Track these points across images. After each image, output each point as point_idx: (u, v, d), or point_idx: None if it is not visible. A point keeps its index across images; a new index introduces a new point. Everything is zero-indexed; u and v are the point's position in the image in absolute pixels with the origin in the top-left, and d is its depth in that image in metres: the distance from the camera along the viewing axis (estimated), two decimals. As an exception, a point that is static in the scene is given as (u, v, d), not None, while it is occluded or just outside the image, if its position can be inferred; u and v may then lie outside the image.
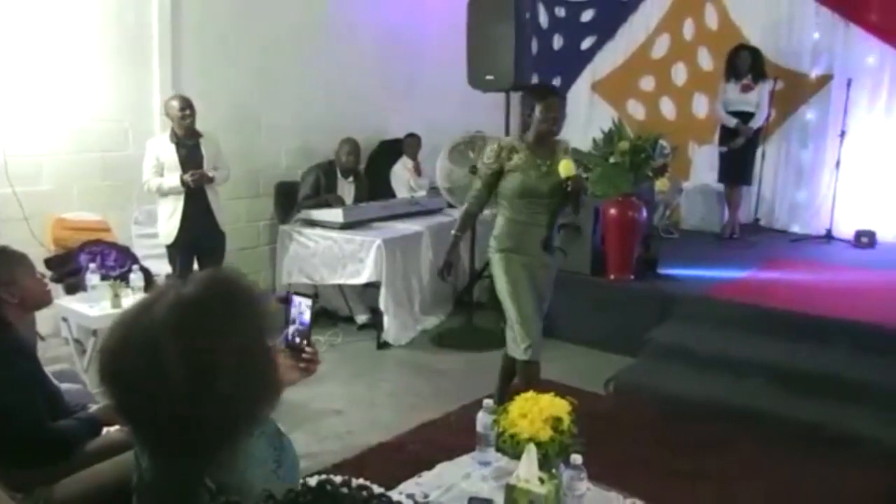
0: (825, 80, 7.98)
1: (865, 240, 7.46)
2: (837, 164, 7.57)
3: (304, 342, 1.91)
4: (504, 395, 3.99)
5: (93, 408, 2.93)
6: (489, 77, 5.94)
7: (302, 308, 1.93)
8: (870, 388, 4.54)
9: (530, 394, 2.69)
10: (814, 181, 8.08)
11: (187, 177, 5.22)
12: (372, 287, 6.01)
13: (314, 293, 5.76)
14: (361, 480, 2.74)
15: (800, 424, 4.39)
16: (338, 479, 1.65)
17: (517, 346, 4.07)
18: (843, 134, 7.55)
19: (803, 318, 5.15)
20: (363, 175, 6.74)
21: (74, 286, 4.85)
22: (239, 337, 1.36)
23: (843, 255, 7.18)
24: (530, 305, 4.06)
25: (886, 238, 7.55)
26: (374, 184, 6.96)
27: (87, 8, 5.48)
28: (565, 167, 3.89)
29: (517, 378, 4.18)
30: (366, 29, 7.44)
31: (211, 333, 1.33)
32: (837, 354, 4.83)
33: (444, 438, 4.03)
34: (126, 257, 5.18)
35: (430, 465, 2.86)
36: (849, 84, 7.54)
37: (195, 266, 5.49)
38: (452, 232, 4.30)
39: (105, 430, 2.85)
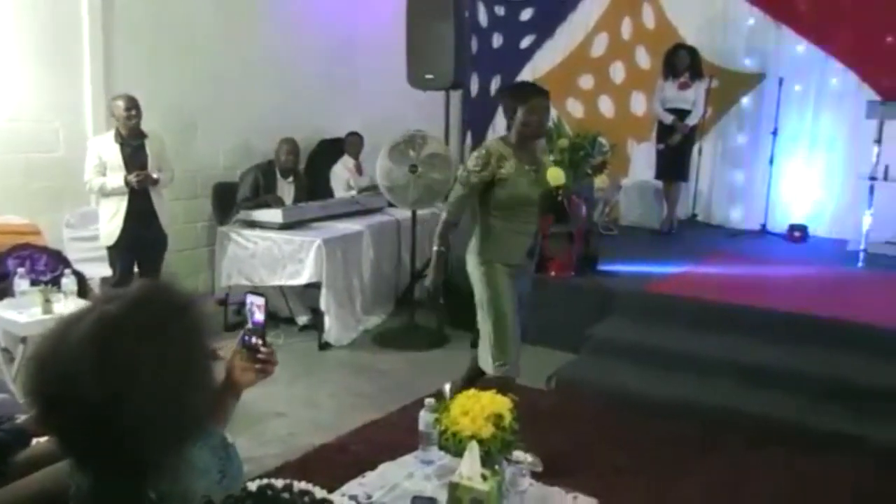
0: (758, 78, 8.18)
1: (798, 234, 7.64)
2: (771, 160, 7.74)
3: (259, 342, 1.87)
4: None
5: (21, 418, 2.84)
6: (429, 76, 5.94)
7: (253, 308, 1.90)
8: (805, 377, 4.64)
9: (472, 391, 2.69)
10: (748, 177, 8.28)
11: (131, 178, 5.14)
12: (313, 287, 5.95)
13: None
14: (304, 484, 2.71)
15: (740, 416, 4.47)
16: (279, 483, 1.63)
17: (490, 360, 3.85)
18: (775, 131, 7.73)
19: (740, 311, 5.25)
20: (303, 175, 6.68)
21: (2, 292, 4.71)
22: (161, 355, 1.31)
23: (778, 248, 7.36)
24: (511, 321, 3.84)
25: (817, 232, 7.77)
26: (314, 183, 6.89)
27: (11, 4, 5.31)
28: (554, 175, 3.81)
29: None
30: (305, 28, 7.37)
31: (128, 353, 1.28)
32: (775, 346, 4.93)
33: (387, 438, 4.00)
34: (57, 261, 5.03)
35: (373, 466, 2.85)
36: (780, 83, 7.72)
37: (135, 269, 5.40)
38: (435, 248, 3.96)
39: (35, 440, 2.77)
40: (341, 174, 7.18)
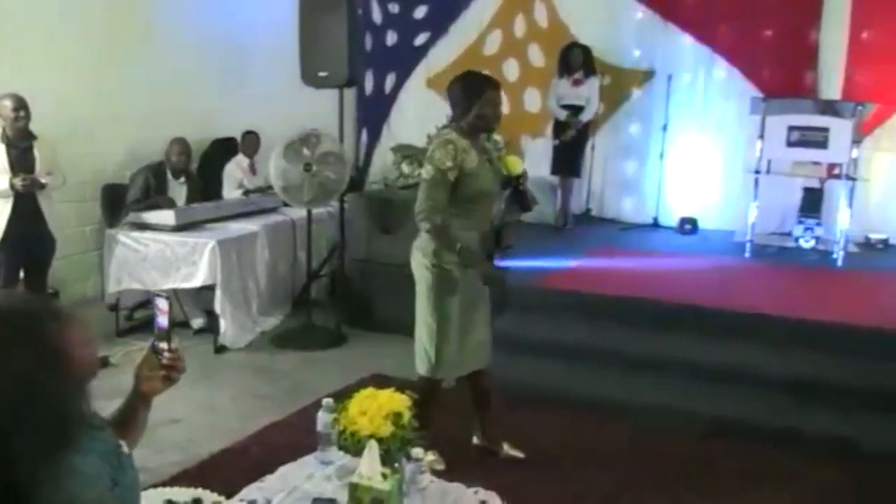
0: (648, 75, 8.42)
1: (689, 227, 7.91)
2: (661, 155, 7.99)
3: (164, 346, 1.82)
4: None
5: None
6: (323, 74, 5.89)
7: (156, 311, 1.85)
8: (695, 366, 4.82)
9: (369, 390, 2.69)
10: (640, 171, 8.51)
11: (17, 181, 4.95)
12: (207, 290, 5.83)
13: (148, 299, 5.56)
14: (200, 491, 2.66)
15: (634, 406, 4.61)
16: (181, 499, 1.60)
17: (423, 361, 3.82)
18: (665, 127, 7.98)
19: (632, 303, 5.39)
20: (195, 175, 6.53)
21: None
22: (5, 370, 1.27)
23: (668, 241, 7.59)
24: (454, 326, 3.71)
25: (707, 225, 8.05)
26: (207, 184, 6.75)
27: None
28: (514, 164, 3.71)
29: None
30: (195, 27, 7.22)
31: None
32: (667, 336, 5.08)
33: (287, 440, 3.95)
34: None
35: (273, 469, 2.83)
36: (669, 79, 7.98)
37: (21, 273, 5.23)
38: (458, 249, 3.58)
39: None
40: (234, 174, 7.05)
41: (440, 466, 3.60)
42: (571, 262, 6.48)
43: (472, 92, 3.63)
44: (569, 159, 7.83)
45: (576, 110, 7.69)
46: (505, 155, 3.93)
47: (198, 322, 6.09)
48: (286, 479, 2.76)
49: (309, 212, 6.06)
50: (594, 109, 7.82)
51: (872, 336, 4.89)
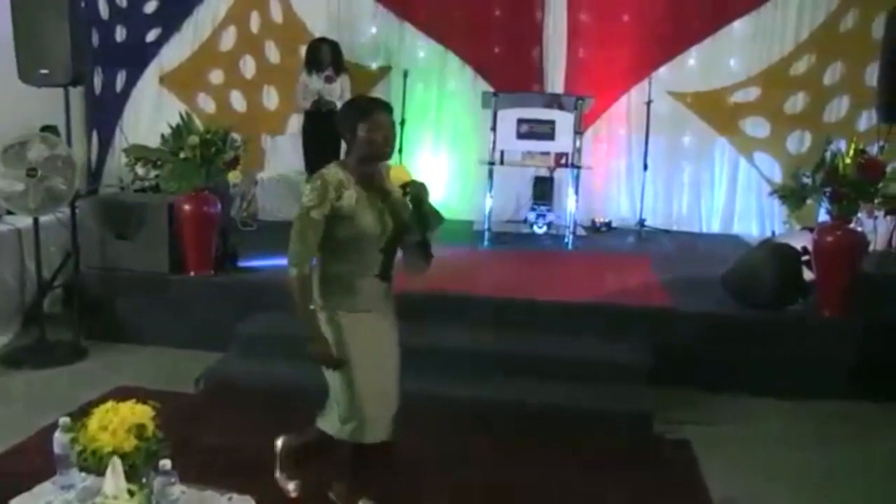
0: (385, 71, 8.59)
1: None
2: (399, 150, 8.14)
3: None
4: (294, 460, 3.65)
5: None
6: (43, 71, 5.50)
7: None
8: (443, 352, 4.99)
9: (109, 404, 2.55)
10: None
11: None
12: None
13: None
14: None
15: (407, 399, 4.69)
16: None
17: (336, 420, 3.29)
18: (403, 122, 8.16)
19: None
20: None
21: None
22: None
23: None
24: (365, 373, 3.21)
25: (447, 216, 8.25)
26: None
27: None
28: (398, 173, 3.26)
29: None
30: None
31: None
32: (412, 327, 5.21)
33: (23, 468, 3.64)
34: None
35: (4, 503, 2.60)
36: (405, 76, 8.18)
37: None
38: (309, 309, 3.20)
39: None
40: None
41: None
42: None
43: (357, 114, 3.18)
44: (323, 156, 7.81)
45: (329, 106, 7.72)
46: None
47: None
48: (20, 511, 2.57)
49: (36, 220, 5.63)
50: None
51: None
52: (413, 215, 3.21)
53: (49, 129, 6.39)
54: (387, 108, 3.24)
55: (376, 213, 3.15)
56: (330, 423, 3.32)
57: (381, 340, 3.32)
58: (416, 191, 3.19)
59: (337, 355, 3.18)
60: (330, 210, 3.08)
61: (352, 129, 3.17)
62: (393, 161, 3.31)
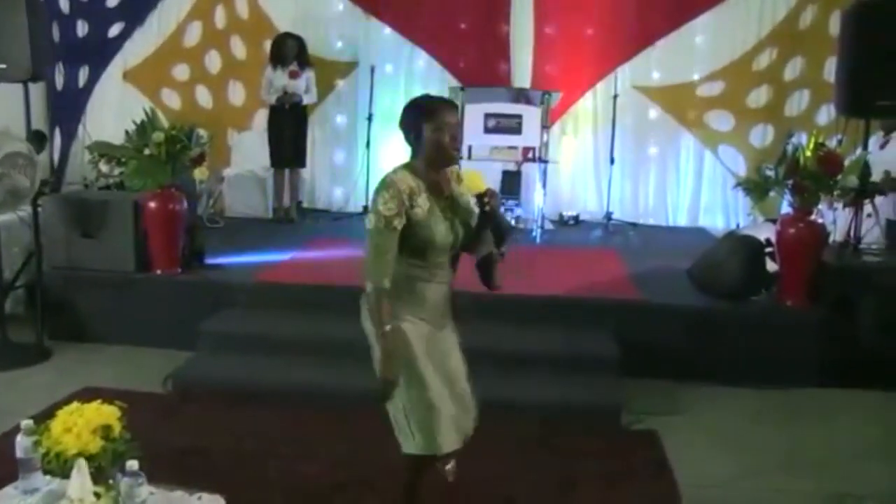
0: (352, 66, 8.57)
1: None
2: (367, 144, 8.17)
3: None
4: None
5: None
6: (1, 66, 5.42)
7: None
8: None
9: (74, 405, 2.53)
10: (348, 161, 8.71)
11: None
12: None
13: None
14: None
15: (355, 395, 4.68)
16: None
17: (410, 437, 3.04)
18: (370, 116, 8.17)
19: (339, 291, 5.42)
20: None
21: None
22: None
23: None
24: (436, 388, 3.02)
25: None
26: None
27: None
28: (472, 179, 3.03)
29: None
30: None
31: None
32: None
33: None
34: None
35: (-34, 506, 2.57)
36: (372, 71, 8.19)
37: None
38: (385, 330, 2.89)
39: None
40: None
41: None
42: (285, 255, 6.49)
43: (420, 114, 2.97)
44: (289, 150, 7.83)
45: (294, 103, 7.78)
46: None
47: None
48: (-20, 518, 2.53)
49: (-5, 218, 5.55)
50: (314, 98, 8.02)
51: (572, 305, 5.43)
52: (487, 226, 3.02)
53: (37, 134, 6.36)
54: (452, 106, 3.06)
55: (448, 223, 2.98)
56: (408, 441, 3.06)
57: (446, 344, 3.15)
58: (495, 203, 2.95)
59: (406, 366, 2.96)
60: (406, 218, 2.88)
61: (417, 130, 2.96)
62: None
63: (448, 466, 3.45)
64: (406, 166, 3.01)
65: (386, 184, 2.93)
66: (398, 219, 2.86)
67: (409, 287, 2.99)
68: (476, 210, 3.00)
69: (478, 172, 3.06)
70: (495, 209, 2.97)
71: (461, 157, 2.93)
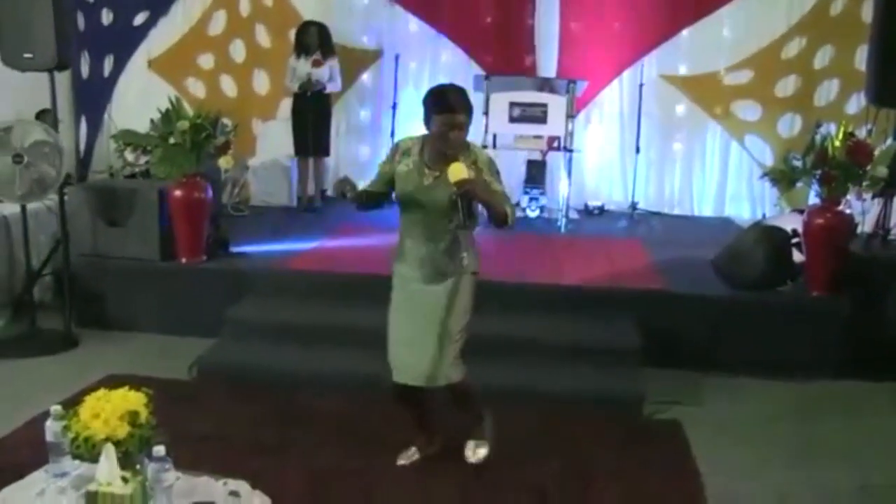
0: (376, 55, 8.57)
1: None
2: (392, 134, 8.15)
3: None
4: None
5: None
6: (28, 55, 5.45)
7: None
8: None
9: (101, 391, 2.56)
10: (372, 152, 8.67)
11: None
12: None
13: None
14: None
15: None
16: None
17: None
18: (394, 106, 8.16)
19: (368, 281, 5.44)
20: None
21: None
22: None
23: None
24: (394, 329, 3.66)
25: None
26: None
27: None
28: (453, 171, 3.31)
29: None
30: None
31: None
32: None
33: (13, 459, 3.59)
34: None
35: (-4, 496, 2.60)
36: (397, 59, 8.17)
37: None
38: (351, 195, 3.89)
39: None
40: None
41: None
42: (310, 244, 6.50)
43: (433, 106, 3.48)
44: (312, 139, 7.82)
45: (317, 91, 7.76)
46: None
47: None
48: (12, 501, 2.56)
49: (23, 207, 5.59)
50: (338, 87, 7.99)
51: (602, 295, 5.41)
52: (458, 210, 3.36)
53: (45, 113, 6.36)
54: (465, 109, 3.44)
55: (420, 182, 3.51)
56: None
57: (426, 298, 3.59)
58: (468, 190, 3.30)
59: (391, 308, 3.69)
60: (392, 170, 3.59)
61: (427, 116, 3.49)
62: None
63: (409, 452, 3.92)
64: (423, 136, 3.60)
65: (396, 142, 3.76)
66: (387, 164, 3.64)
67: (400, 239, 3.68)
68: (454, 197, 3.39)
69: (461, 166, 3.32)
70: (461, 202, 3.32)
71: (456, 156, 3.41)
